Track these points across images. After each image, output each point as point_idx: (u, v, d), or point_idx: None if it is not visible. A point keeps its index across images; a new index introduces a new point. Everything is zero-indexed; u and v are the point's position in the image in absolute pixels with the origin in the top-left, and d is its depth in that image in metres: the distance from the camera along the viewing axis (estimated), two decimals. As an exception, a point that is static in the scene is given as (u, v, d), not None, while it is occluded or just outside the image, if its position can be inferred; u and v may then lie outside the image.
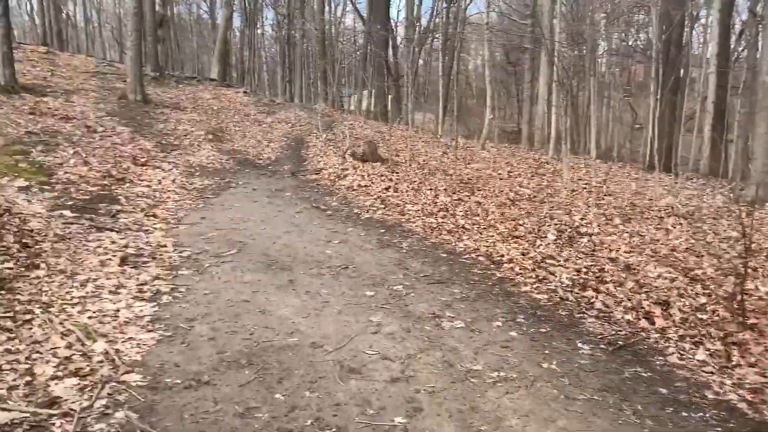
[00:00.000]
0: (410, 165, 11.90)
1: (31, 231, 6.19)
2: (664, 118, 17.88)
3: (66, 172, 8.94)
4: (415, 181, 10.40)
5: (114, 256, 5.85)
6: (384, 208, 8.57)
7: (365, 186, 9.96)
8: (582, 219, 8.26)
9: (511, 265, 6.19)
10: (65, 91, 15.73)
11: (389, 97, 23.35)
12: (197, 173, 10.90)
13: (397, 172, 11.06)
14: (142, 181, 9.51)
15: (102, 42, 48.01)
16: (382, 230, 7.43)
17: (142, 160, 10.95)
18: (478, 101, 47.74)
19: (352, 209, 8.56)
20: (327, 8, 34.42)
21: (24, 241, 5.82)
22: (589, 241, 7.17)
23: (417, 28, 33.19)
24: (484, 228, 7.60)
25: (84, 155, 10.14)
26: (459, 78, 33.78)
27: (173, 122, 14.87)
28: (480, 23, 37.72)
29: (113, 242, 6.33)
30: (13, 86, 14.00)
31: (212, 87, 21.61)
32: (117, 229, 6.85)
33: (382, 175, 10.69)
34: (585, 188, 11.43)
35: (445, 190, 9.65)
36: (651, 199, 10.39)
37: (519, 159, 14.61)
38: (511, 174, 12.33)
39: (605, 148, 26.70)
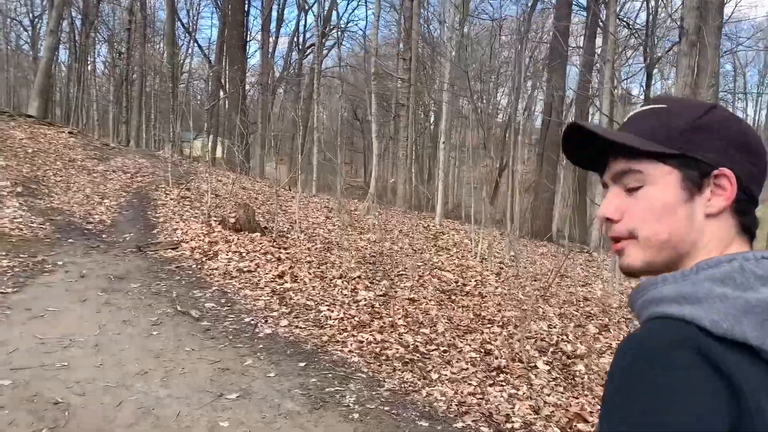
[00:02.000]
0: (298, 236, 9.12)
1: None
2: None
3: None
4: (312, 262, 7.66)
5: None
6: (289, 313, 5.69)
7: (249, 272, 7.00)
8: (550, 327, 6.07)
9: (536, 437, 3.70)
10: None
11: (242, 144, 20.31)
12: (-7, 247, 7.23)
13: (285, 248, 8.22)
14: None
15: None
16: (301, 363, 4.58)
17: None
18: (325, 156, 45.67)
19: (239, 316, 5.58)
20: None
21: None
22: (587, 370, 4.95)
23: (270, 75, 30.65)
24: (445, 351, 5.06)
25: None
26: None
27: (-36, 168, 10.73)
28: (332, 77, 36.08)
29: None
30: None
31: (28, 125, 17.11)
32: None
33: (267, 253, 7.79)
34: (501, 267, 9.45)
35: (359, 277, 7.03)
36: (584, 288, 8.62)
37: (411, 227, 12.42)
38: (415, 249, 10.03)
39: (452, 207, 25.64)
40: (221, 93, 30.04)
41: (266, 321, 5.41)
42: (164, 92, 25.68)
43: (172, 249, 7.95)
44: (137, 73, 27.45)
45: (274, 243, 8.32)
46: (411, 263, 8.38)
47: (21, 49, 44.29)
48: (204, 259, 7.46)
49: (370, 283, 6.88)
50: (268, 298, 6.07)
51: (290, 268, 7.13)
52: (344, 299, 6.18)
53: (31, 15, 39.01)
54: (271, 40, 30.98)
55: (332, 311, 5.71)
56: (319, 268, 7.38)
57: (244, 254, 7.70)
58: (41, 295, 5.74)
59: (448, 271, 8.31)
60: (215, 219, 9.24)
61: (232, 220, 8.83)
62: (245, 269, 7.04)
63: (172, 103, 16.03)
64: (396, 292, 6.67)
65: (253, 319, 5.43)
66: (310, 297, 6.17)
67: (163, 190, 12.02)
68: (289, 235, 9.11)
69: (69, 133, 17.85)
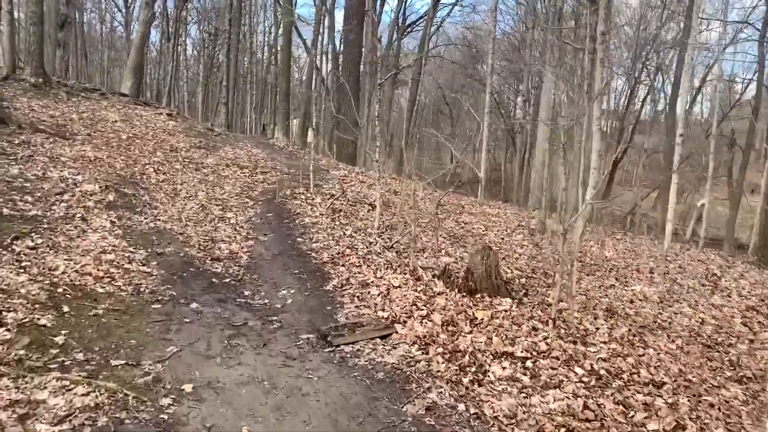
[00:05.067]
0: (571, 305, 5.06)
1: None
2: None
3: None
4: (661, 383, 3.60)
5: None
6: None
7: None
8: None
9: None
10: None
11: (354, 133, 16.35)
12: (61, 329, 3.48)
13: (576, 339, 4.18)
14: None
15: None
16: None
17: None
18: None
19: None
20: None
21: None
22: None
23: (380, 53, 26.73)
24: None
25: None
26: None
27: (42, 161, 7.21)
28: (439, 56, 31.65)
29: None
30: None
31: (122, 104, 13.71)
32: None
33: (569, 360, 3.76)
34: None
35: None
36: None
37: (641, 256, 8.17)
38: (747, 317, 5.81)
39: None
40: (314, 75, 26.37)
41: None
42: (266, 72, 22.06)
43: (381, 338, 4.03)
44: (232, 53, 24.04)
45: (551, 324, 4.28)
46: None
47: (115, 30, 42.14)
48: (466, 382, 3.48)
49: None
50: None
51: (649, 418, 3.07)
52: None
53: (125, -5, 36.40)
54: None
55: None
56: (695, 407, 3.30)
57: (524, 358, 3.70)
58: None
59: None
60: (423, 266, 5.28)
61: (460, 273, 4.82)
62: (580, 426, 3.01)
63: (284, 82, 12.34)
64: None
65: None
66: None
67: (304, 197, 8.19)
68: (550, 302, 5.05)
69: (167, 114, 14.38)
